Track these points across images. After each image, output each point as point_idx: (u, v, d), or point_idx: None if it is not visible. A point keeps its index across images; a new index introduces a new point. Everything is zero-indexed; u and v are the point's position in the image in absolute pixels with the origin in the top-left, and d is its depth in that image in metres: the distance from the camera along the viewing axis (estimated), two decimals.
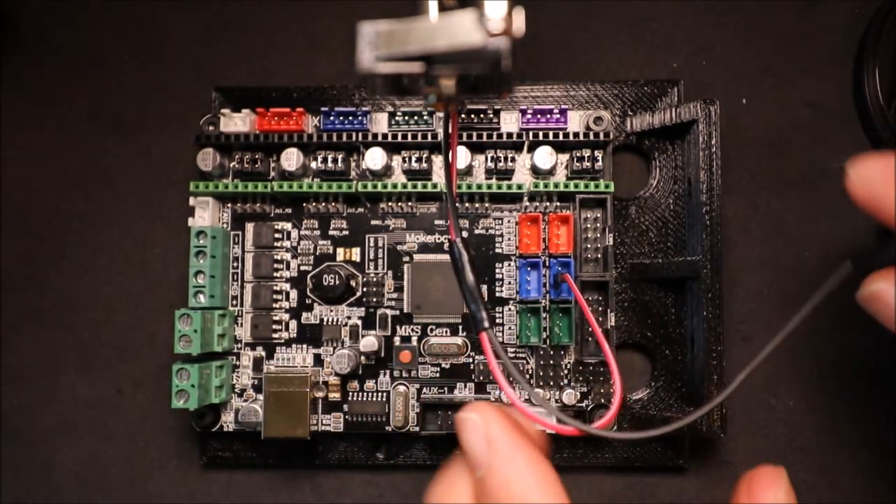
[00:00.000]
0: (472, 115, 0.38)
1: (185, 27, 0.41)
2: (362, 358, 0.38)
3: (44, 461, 0.40)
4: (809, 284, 0.39)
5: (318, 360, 0.38)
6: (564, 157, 0.38)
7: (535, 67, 0.40)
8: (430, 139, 0.37)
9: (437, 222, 0.39)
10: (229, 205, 0.39)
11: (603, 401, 0.38)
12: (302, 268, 0.39)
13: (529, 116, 0.37)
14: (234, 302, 0.39)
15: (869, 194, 0.25)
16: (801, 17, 0.40)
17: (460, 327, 0.38)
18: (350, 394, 0.38)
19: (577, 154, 0.37)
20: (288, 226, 0.39)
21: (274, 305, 0.39)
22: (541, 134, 0.37)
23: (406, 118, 0.38)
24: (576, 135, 0.37)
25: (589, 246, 0.38)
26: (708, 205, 0.36)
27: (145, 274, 0.40)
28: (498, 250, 0.39)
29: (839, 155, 0.39)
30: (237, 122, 0.37)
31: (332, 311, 0.39)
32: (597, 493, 0.38)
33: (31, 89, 0.41)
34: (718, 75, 0.40)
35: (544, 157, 0.37)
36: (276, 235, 0.39)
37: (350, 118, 0.37)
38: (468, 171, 0.38)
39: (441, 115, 0.37)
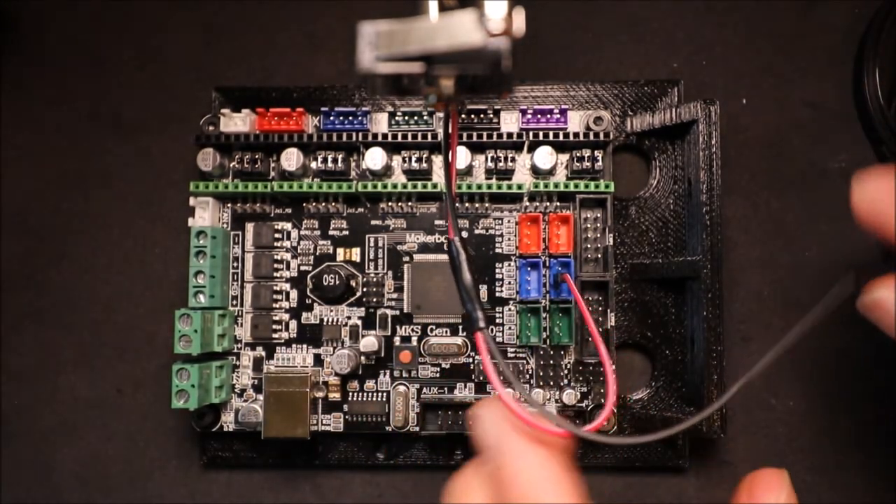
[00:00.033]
0: (472, 115, 0.38)
1: (185, 27, 0.41)
2: (362, 358, 0.38)
3: (44, 461, 0.40)
4: (809, 284, 0.39)
5: (318, 360, 0.38)
6: (564, 157, 0.38)
7: (535, 67, 0.40)
8: (430, 139, 0.37)
9: (437, 222, 0.39)
10: (229, 205, 0.39)
11: (603, 401, 0.37)
12: (302, 268, 0.39)
13: (529, 116, 0.37)
14: (234, 302, 0.39)
15: (873, 213, 0.25)
16: (801, 17, 0.40)
17: (460, 327, 0.38)
18: (350, 394, 0.38)
19: (577, 154, 0.37)
20: (288, 226, 0.39)
21: (274, 305, 0.39)
22: (541, 134, 0.37)
23: (406, 118, 0.38)
24: (576, 135, 0.37)
25: (589, 246, 0.38)
26: (708, 205, 0.36)
27: (145, 274, 0.40)
28: (498, 250, 0.39)
29: (839, 155, 0.39)
30: (237, 122, 0.37)
31: (332, 311, 0.39)
32: (597, 493, 0.38)
33: (31, 89, 0.41)
34: (718, 75, 0.40)
35: (544, 157, 0.37)
36: (276, 235, 0.39)
37: (350, 118, 0.37)
38: (468, 171, 0.38)
39: (441, 115, 0.37)
